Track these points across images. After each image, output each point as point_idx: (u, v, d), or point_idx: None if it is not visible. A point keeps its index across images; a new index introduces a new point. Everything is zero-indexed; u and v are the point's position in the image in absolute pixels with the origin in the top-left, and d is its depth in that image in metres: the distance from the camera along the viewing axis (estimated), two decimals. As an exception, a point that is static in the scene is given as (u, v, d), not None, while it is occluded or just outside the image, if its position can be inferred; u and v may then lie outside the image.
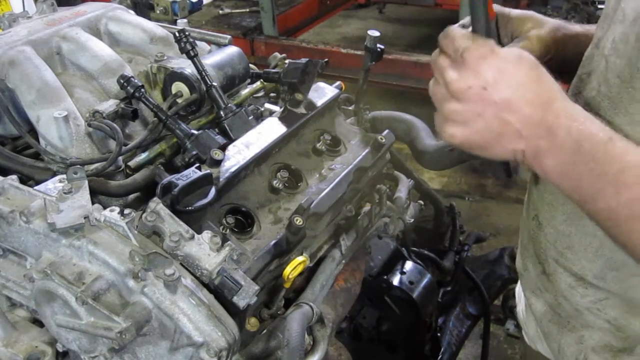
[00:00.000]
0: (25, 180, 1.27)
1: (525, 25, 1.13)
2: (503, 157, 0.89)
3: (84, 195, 1.06)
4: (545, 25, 1.13)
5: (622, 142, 0.83)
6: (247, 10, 5.15)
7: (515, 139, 0.85)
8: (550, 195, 1.09)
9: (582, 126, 0.83)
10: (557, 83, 0.87)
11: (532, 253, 1.17)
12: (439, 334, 1.83)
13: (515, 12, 1.16)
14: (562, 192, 0.89)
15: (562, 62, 1.12)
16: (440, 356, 1.79)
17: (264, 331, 1.18)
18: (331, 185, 1.36)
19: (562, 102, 0.85)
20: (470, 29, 0.89)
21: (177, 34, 1.40)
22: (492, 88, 0.83)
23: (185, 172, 1.15)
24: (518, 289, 1.38)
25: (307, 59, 1.51)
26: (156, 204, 1.02)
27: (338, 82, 1.62)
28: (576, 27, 1.17)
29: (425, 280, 1.66)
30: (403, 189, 1.59)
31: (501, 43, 1.13)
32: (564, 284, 1.10)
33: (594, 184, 0.83)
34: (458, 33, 0.87)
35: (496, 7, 1.14)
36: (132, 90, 1.32)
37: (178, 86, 1.42)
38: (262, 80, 1.63)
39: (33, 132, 1.32)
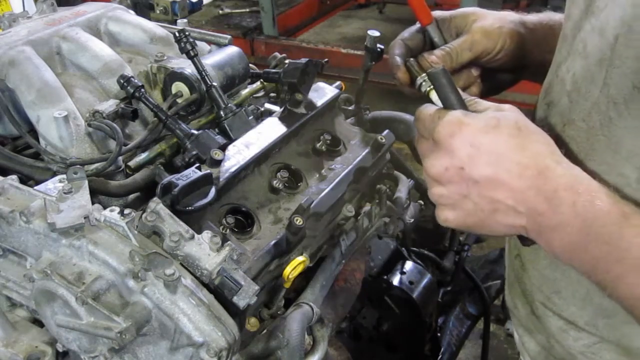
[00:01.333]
0: (25, 180, 1.27)
1: (467, 20, 1.06)
2: (507, 233, 0.84)
3: (84, 195, 1.06)
4: (489, 17, 1.06)
5: (638, 215, 0.71)
6: (247, 10, 5.16)
7: (512, 215, 0.77)
8: None
9: (587, 201, 0.72)
10: (547, 140, 0.77)
11: (520, 292, 1.10)
12: (439, 334, 1.83)
13: (457, 10, 1.10)
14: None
15: (523, 57, 1.06)
16: (440, 356, 1.79)
17: (264, 331, 1.18)
18: (331, 185, 1.36)
19: (556, 167, 0.74)
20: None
21: (177, 34, 1.40)
22: (469, 167, 0.76)
23: (185, 172, 1.15)
24: None
25: (307, 59, 1.51)
26: (156, 204, 1.02)
27: (338, 82, 1.62)
28: (532, 19, 1.08)
29: (425, 280, 1.66)
30: (403, 189, 1.59)
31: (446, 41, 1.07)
32: (555, 327, 1.02)
33: (613, 269, 0.73)
34: (427, 113, 0.82)
35: (435, 13, 1.08)
36: (132, 90, 1.32)
37: (178, 86, 1.42)
38: (262, 80, 1.63)
39: (33, 132, 1.32)
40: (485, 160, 0.75)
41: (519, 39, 1.05)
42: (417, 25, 1.09)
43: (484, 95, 1.11)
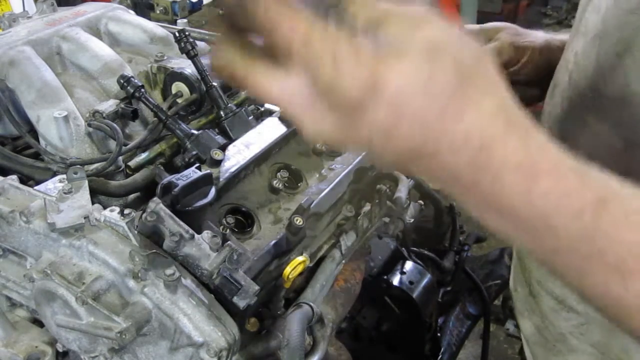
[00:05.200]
0: (25, 180, 1.27)
1: (498, 31, 1.06)
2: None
3: (84, 195, 1.06)
4: (520, 30, 1.05)
5: (619, 201, 0.53)
6: (247, 10, 5.15)
7: (453, 183, 0.56)
8: None
9: (543, 184, 0.53)
10: (498, 86, 0.54)
11: (520, 273, 1.13)
12: (439, 334, 1.83)
13: (488, 24, 1.09)
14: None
15: (551, 73, 1.03)
16: (440, 356, 1.79)
17: (264, 331, 1.18)
18: (331, 185, 1.36)
19: (506, 138, 0.52)
20: None
21: (177, 34, 1.40)
22: (383, 144, 0.52)
23: (185, 172, 1.15)
24: None
25: (307, 59, 1.51)
26: (156, 204, 1.02)
27: (338, 82, 1.62)
28: (562, 37, 1.04)
29: (425, 280, 1.66)
30: (403, 189, 1.59)
31: None
32: (547, 307, 1.04)
33: (582, 267, 0.55)
34: (287, 18, 0.51)
35: (465, 26, 1.09)
36: (132, 90, 1.32)
37: (178, 86, 1.42)
38: (262, 80, 1.63)
39: (33, 132, 1.32)
40: (407, 133, 0.52)
41: (549, 54, 1.04)
42: None
43: None
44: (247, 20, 0.53)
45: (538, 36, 1.08)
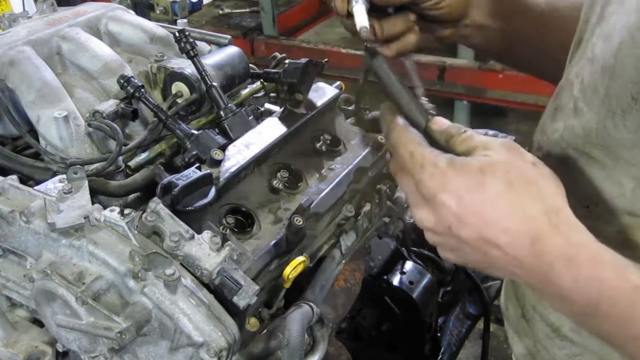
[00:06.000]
0: (25, 180, 1.27)
1: None
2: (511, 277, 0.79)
3: (84, 195, 1.06)
4: None
5: None
6: (247, 10, 5.15)
7: (510, 272, 0.72)
8: None
9: (590, 277, 0.65)
10: (542, 193, 0.69)
11: (512, 294, 1.09)
12: (439, 334, 1.83)
13: None
14: None
15: (467, 13, 1.01)
16: (440, 356, 1.79)
17: (264, 331, 1.18)
18: (331, 185, 1.36)
19: (552, 234, 0.67)
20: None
21: (177, 34, 1.40)
22: (457, 228, 0.71)
23: (185, 172, 1.15)
24: None
25: (307, 59, 1.51)
26: (156, 204, 1.02)
27: (338, 82, 1.62)
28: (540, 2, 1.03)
29: (425, 280, 1.66)
30: (403, 189, 1.59)
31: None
32: (541, 332, 1.01)
33: (628, 346, 0.67)
34: (404, 147, 0.76)
35: None
36: (132, 90, 1.32)
37: (178, 86, 1.42)
38: (262, 80, 1.63)
39: (33, 132, 1.32)
40: (471, 224, 0.69)
41: (510, 16, 1.02)
42: None
43: (419, 48, 1.03)
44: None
45: None
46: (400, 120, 0.78)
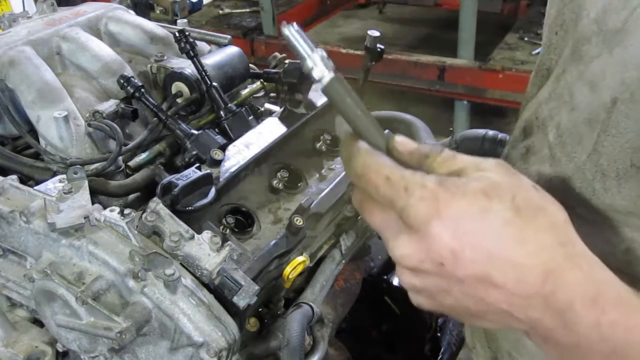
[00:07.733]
0: (25, 180, 1.28)
1: None
2: (502, 328, 0.64)
3: (84, 195, 1.06)
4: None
5: None
6: (247, 10, 5.15)
7: (508, 319, 0.59)
8: None
9: (616, 322, 0.55)
10: (554, 220, 0.57)
11: (482, 335, 0.99)
12: (439, 334, 1.83)
13: None
14: None
15: None
16: (440, 356, 1.79)
17: (264, 331, 1.18)
18: (331, 185, 1.36)
19: (570, 269, 0.55)
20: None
21: (177, 34, 1.40)
22: (452, 265, 0.57)
23: (185, 172, 1.15)
24: None
25: (307, 59, 1.51)
26: (156, 204, 1.02)
27: (338, 82, 1.62)
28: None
29: (425, 280, 1.66)
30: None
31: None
32: None
33: None
34: (377, 171, 0.60)
35: None
36: (132, 90, 1.32)
37: (178, 86, 1.42)
38: (262, 80, 1.63)
39: (33, 132, 1.32)
40: (471, 257, 0.55)
41: None
42: None
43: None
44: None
45: None
46: (363, 144, 0.62)
